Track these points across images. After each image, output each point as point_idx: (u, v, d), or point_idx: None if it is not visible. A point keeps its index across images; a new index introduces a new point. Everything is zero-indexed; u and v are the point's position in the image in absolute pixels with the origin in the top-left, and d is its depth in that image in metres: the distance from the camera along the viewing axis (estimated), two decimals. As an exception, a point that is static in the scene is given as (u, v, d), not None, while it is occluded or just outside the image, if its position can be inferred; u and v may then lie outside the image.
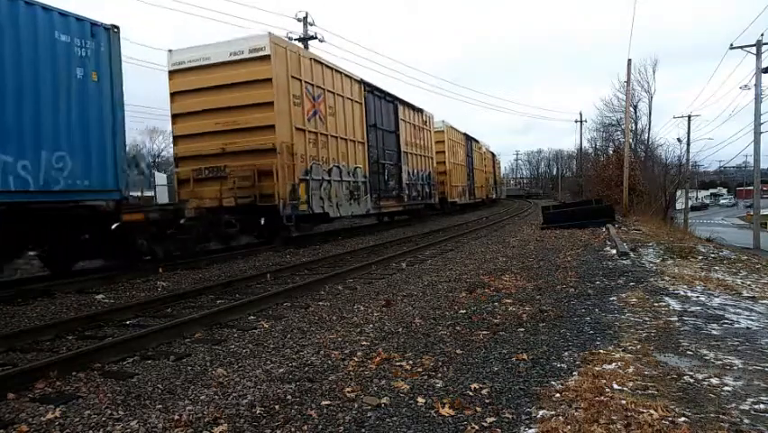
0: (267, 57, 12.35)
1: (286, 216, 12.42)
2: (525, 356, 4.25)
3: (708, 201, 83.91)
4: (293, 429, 3.07)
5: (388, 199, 19.19)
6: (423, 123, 23.55)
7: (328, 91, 14.75)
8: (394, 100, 20.38)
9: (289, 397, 3.55)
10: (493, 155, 49.97)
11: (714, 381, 3.62)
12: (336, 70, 15.48)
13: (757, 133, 25.68)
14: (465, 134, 33.73)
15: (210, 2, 40.50)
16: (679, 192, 39.25)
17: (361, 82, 17.17)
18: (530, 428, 3.01)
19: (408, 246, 12.87)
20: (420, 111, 23.37)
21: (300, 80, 13.37)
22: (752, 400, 3.30)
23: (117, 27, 8.76)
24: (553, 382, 3.68)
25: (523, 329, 5.11)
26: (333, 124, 14.98)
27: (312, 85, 13.90)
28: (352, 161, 16.11)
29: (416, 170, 22.37)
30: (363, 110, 17.12)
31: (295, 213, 12.73)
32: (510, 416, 3.17)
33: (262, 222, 12.76)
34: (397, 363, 4.17)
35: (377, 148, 18.13)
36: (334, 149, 15.04)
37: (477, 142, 37.88)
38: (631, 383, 3.57)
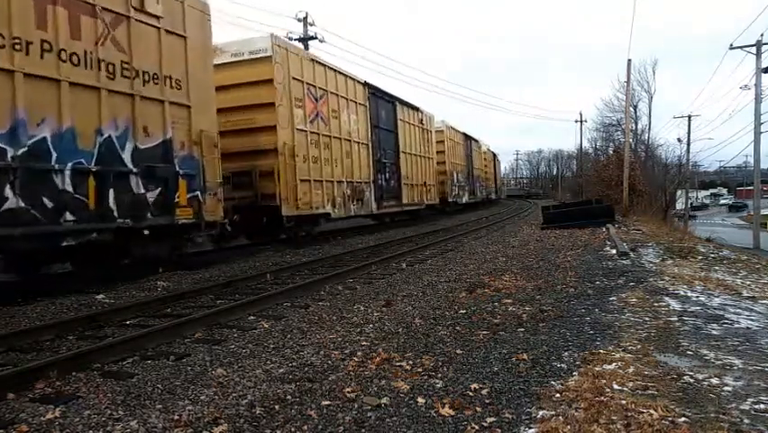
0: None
1: None
2: (525, 356, 4.25)
3: (708, 201, 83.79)
4: (293, 429, 3.07)
5: None
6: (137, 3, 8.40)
7: None
8: None
9: (289, 397, 3.55)
10: (469, 139, 34.35)
11: (714, 381, 3.62)
12: None
13: (757, 133, 25.70)
14: (370, 87, 17.50)
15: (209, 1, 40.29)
16: (679, 192, 39.27)
17: None
18: (530, 427, 3.01)
19: (408, 246, 12.86)
20: None
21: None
22: (752, 400, 3.30)
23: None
24: (553, 383, 3.67)
25: (523, 329, 5.11)
26: None
27: None
28: None
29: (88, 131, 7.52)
30: None
31: None
32: (510, 416, 3.17)
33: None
34: (397, 364, 4.17)
35: None
36: None
37: (417, 110, 22.38)
38: (631, 383, 3.57)
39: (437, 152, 25.71)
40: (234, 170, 12.07)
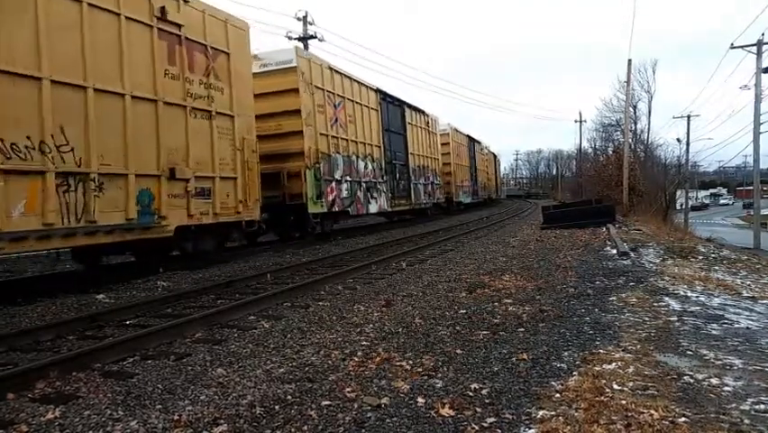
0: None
1: None
2: (525, 356, 4.25)
3: (707, 201, 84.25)
4: (293, 430, 3.07)
5: None
6: None
7: None
8: None
9: (289, 397, 3.55)
10: (398, 105, 20.79)
11: (714, 381, 3.62)
12: None
13: (757, 134, 25.69)
14: None
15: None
16: (679, 192, 39.30)
17: None
18: (530, 428, 3.01)
19: (408, 246, 12.86)
20: None
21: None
22: (752, 400, 3.30)
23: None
24: (553, 383, 3.67)
25: (523, 329, 5.11)
26: None
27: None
28: None
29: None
30: None
31: None
32: (510, 416, 3.17)
33: None
34: (398, 364, 4.17)
35: None
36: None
37: (229, 44, 10.23)
38: (631, 383, 3.57)
39: (284, 114, 13.30)
40: None
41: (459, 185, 31.02)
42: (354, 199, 16.17)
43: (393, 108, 20.23)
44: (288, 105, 13.42)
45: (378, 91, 18.61)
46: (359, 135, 16.62)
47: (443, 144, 27.97)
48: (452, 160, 29.63)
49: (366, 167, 17.13)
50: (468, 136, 35.26)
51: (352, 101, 16.34)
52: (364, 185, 16.86)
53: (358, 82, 16.98)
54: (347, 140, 15.77)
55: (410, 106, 22.19)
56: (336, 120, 15.27)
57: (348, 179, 15.76)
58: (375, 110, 18.13)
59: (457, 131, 32.07)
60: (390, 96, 19.94)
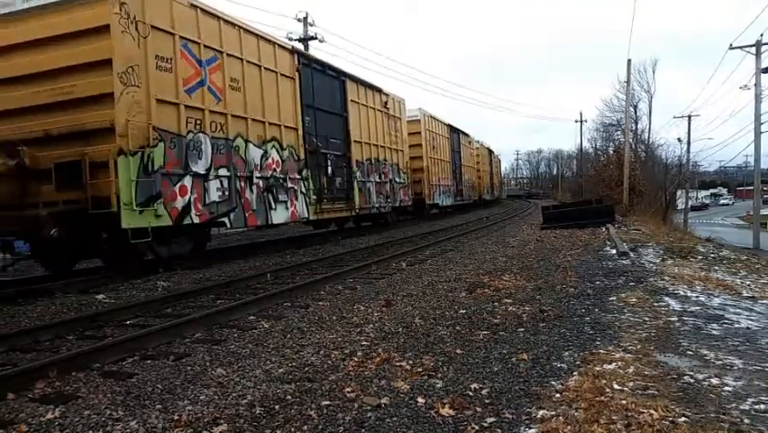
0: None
1: None
2: (525, 356, 4.25)
3: (708, 201, 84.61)
4: (293, 429, 3.07)
5: None
6: None
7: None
8: None
9: (289, 397, 3.54)
10: (347, 81, 16.16)
11: (714, 381, 3.62)
12: None
13: (757, 134, 25.71)
14: None
15: (208, 1, 40.12)
16: (679, 192, 39.32)
17: None
18: (530, 428, 3.01)
19: (408, 246, 12.86)
20: None
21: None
22: (752, 400, 3.29)
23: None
24: (554, 383, 3.67)
25: (523, 329, 5.10)
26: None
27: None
28: None
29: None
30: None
31: None
32: (510, 416, 3.16)
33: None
34: (397, 364, 4.17)
35: None
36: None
37: None
38: (631, 383, 3.57)
39: (87, 67, 8.52)
40: None
41: (435, 184, 25.25)
42: (239, 204, 10.95)
43: (325, 79, 14.99)
44: (94, 54, 8.43)
45: (295, 52, 13.51)
46: (252, 110, 11.55)
47: (411, 134, 22.45)
48: (424, 153, 23.89)
49: (266, 156, 11.91)
50: (449, 126, 28.90)
51: (242, 59, 11.30)
52: (261, 182, 11.68)
53: (255, 34, 11.87)
54: (226, 114, 10.72)
55: (356, 80, 16.83)
56: (203, 83, 10.19)
57: (224, 173, 10.59)
58: (289, 78, 13.07)
59: (433, 118, 25.83)
60: (319, 62, 14.85)
